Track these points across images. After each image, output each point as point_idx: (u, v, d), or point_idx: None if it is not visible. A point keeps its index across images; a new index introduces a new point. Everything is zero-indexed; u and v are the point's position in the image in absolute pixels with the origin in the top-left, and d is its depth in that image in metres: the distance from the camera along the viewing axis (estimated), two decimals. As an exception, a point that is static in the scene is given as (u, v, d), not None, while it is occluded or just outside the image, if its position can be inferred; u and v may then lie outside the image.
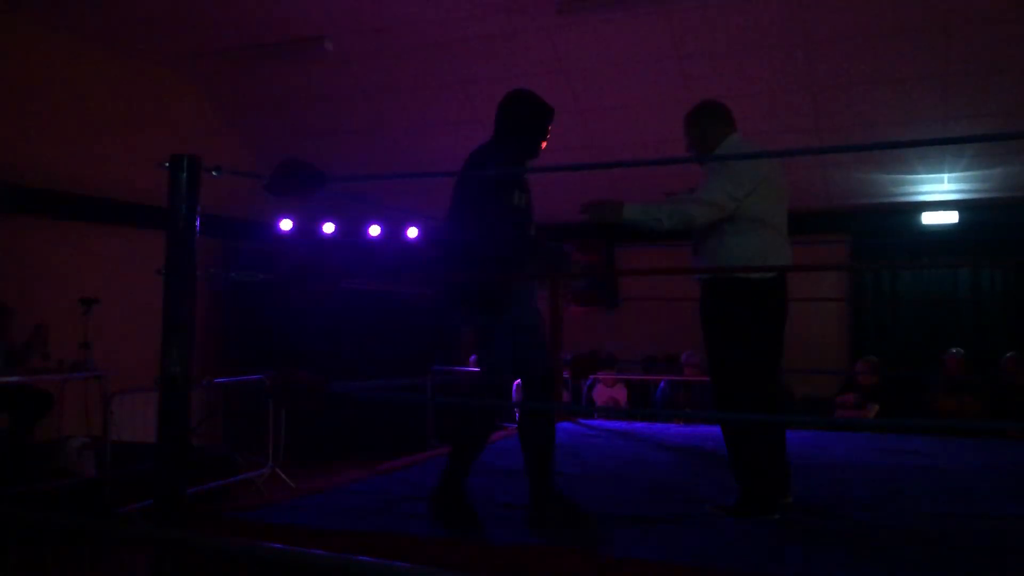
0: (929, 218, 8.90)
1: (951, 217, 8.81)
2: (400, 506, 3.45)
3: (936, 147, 8.07)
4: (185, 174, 2.88)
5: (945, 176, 8.57)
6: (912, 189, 8.86)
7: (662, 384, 8.38)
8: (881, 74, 7.53)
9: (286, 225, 9.72)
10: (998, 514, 3.40)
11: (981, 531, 3.13)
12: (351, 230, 9.86)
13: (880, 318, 9.30)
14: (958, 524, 3.22)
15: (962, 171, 8.43)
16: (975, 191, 8.61)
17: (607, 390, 8.50)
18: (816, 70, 7.61)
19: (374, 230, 9.88)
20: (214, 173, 3.00)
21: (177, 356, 2.83)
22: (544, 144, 3.55)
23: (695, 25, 7.43)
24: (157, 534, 2.71)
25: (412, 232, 9.96)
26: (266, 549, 2.25)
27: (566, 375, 7.26)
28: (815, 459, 4.61)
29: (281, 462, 7.50)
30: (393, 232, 9.87)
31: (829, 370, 8.76)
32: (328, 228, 9.89)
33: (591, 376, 8.14)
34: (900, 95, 7.70)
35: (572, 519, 3.12)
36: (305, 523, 3.11)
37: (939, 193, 8.82)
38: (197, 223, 2.91)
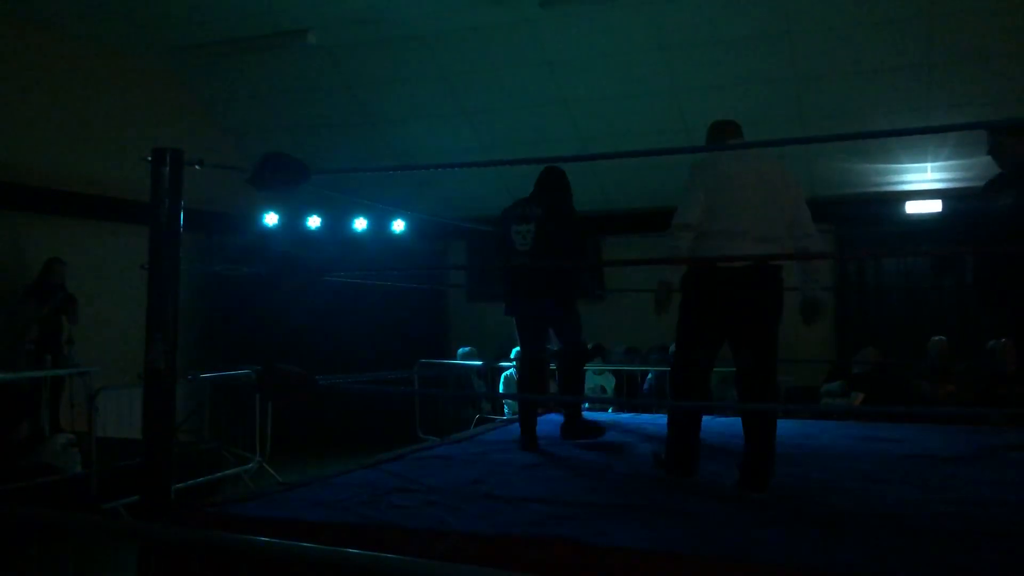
0: (913, 207, 8.94)
1: (935, 206, 8.85)
2: (388, 498, 3.45)
3: (920, 136, 8.11)
4: (168, 168, 2.86)
5: (928, 165, 8.61)
6: (896, 179, 8.90)
7: (650, 375, 8.40)
8: (864, 64, 7.56)
9: (271, 219, 9.68)
10: (980, 501, 3.43)
11: (963, 517, 3.16)
12: (336, 224, 9.83)
13: (865, 307, 9.35)
14: (941, 511, 3.25)
15: (945, 160, 8.47)
16: (958, 180, 8.66)
17: (595, 377, 8.52)
18: (799, 60, 7.63)
19: (360, 223, 9.85)
20: (197, 167, 2.99)
21: (161, 351, 2.82)
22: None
23: (679, 17, 7.44)
24: (143, 529, 2.71)
25: (398, 225, 9.93)
26: (254, 542, 2.25)
27: (553, 367, 7.27)
28: (800, 447, 4.63)
29: (269, 456, 7.49)
30: (379, 225, 9.84)
31: (815, 360, 8.80)
32: (313, 222, 9.85)
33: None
34: (884, 85, 7.73)
35: (590, 431, 4.75)
36: (293, 516, 3.10)
37: (923, 182, 8.86)
38: (181, 217, 2.89)
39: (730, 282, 3.50)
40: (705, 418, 4.75)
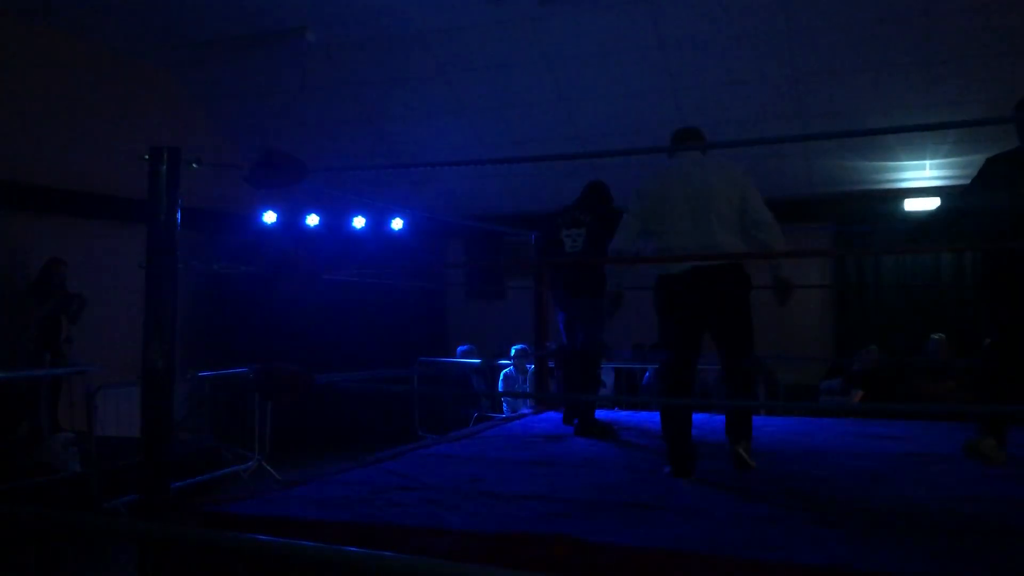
0: (911, 204, 8.94)
1: (933, 203, 8.84)
2: (387, 497, 3.45)
3: (918, 134, 8.11)
4: (165, 166, 2.86)
5: (927, 163, 8.60)
6: (895, 176, 8.90)
7: (648, 372, 8.40)
8: (864, 61, 7.56)
9: (270, 217, 9.67)
10: (980, 498, 3.43)
11: (963, 515, 3.16)
12: (335, 222, 9.82)
13: (864, 305, 9.35)
14: (940, 508, 3.25)
15: (944, 158, 8.47)
16: (957, 177, 8.65)
17: None
18: (799, 58, 7.62)
19: (359, 222, 9.84)
20: (195, 165, 2.99)
21: (159, 350, 2.81)
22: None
23: (678, 14, 7.43)
24: (142, 528, 2.70)
25: (397, 224, 9.92)
26: (253, 541, 2.24)
27: (552, 364, 7.26)
28: (799, 444, 4.64)
29: (267, 455, 7.49)
30: (378, 224, 9.84)
31: (814, 357, 8.80)
32: (312, 220, 9.84)
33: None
34: (882, 82, 7.72)
35: (603, 432, 4.95)
36: (292, 515, 3.11)
37: (921, 180, 8.86)
38: (178, 216, 2.89)
39: (676, 287, 3.83)
40: (704, 417, 4.97)
